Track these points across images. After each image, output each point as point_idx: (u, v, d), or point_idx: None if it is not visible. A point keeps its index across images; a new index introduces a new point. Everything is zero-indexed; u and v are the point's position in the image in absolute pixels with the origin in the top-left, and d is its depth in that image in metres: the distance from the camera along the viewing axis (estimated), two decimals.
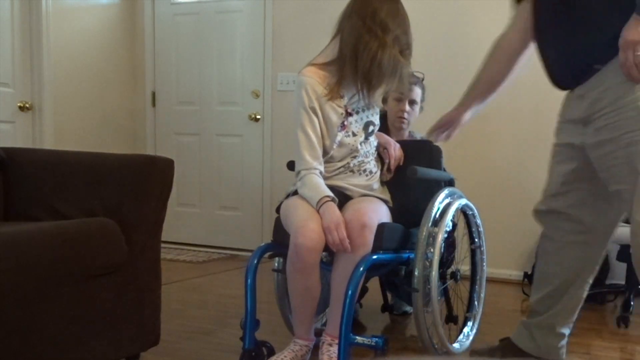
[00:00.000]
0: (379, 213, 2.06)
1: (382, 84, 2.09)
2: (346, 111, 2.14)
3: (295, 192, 2.13)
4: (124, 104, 4.78)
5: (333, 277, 2.00)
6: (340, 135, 2.12)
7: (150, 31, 4.84)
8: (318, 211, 1.98)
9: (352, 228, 1.95)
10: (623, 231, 2.90)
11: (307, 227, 1.93)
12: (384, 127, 2.64)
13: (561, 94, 2.06)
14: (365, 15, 2.03)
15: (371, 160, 2.23)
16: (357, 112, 2.17)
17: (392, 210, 2.19)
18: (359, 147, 2.16)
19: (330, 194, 2.01)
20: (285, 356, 2.01)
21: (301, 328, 2.08)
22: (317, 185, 2.06)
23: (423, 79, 2.76)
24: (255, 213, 4.63)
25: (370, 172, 2.22)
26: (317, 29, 4.24)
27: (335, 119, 2.12)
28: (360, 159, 2.18)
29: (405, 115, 2.70)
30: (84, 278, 1.85)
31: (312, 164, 2.09)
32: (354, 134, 2.16)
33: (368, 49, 2.00)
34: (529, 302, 2.25)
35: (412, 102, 2.71)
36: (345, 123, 2.14)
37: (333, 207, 1.96)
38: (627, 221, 2.92)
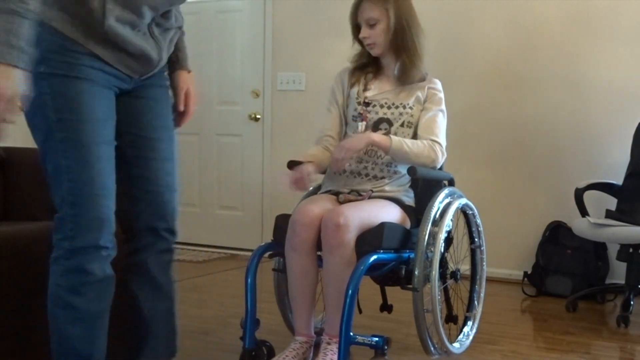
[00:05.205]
0: (372, 213, 2.03)
1: None
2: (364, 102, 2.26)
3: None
4: None
5: (324, 280, 2.01)
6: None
7: None
8: None
9: (326, 228, 1.94)
10: (623, 231, 2.91)
11: (305, 207, 2.04)
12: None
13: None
14: None
15: (379, 164, 2.20)
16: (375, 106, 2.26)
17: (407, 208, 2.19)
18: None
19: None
20: (286, 356, 2.00)
21: (300, 322, 2.07)
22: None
23: None
24: (255, 213, 4.63)
25: (375, 177, 2.20)
26: (317, 29, 4.25)
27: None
28: (362, 163, 2.21)
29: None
30: None
31: None
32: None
33: None
34: None
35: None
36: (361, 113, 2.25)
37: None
38: (626, 220, 2.94)
